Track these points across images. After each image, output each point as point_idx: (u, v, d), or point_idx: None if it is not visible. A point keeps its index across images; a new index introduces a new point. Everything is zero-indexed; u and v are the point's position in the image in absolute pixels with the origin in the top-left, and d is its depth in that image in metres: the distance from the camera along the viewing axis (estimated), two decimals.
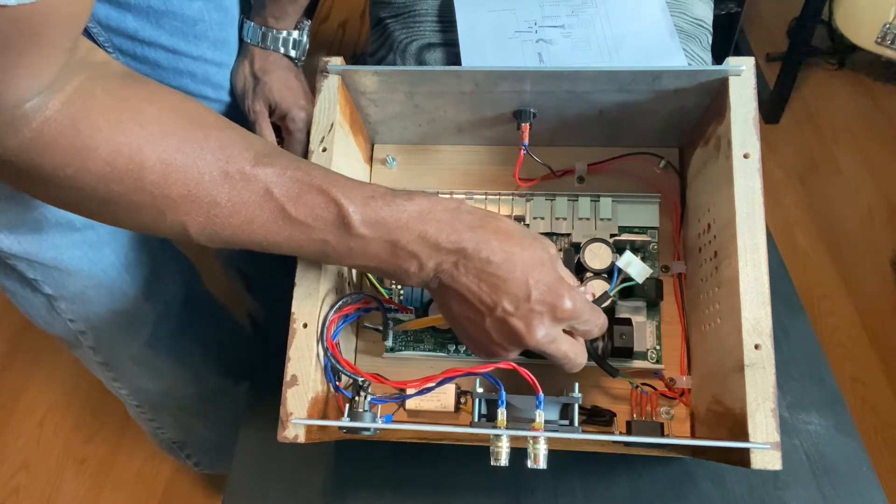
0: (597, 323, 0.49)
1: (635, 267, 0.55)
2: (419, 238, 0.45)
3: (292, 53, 0.76)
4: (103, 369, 0.84)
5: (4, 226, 0.62)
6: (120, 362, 0.84)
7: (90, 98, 0.39)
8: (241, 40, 0.77)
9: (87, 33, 0.68)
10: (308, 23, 0.78)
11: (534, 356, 0.56)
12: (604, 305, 0.53)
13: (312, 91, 0.66)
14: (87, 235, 0.69)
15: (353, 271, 0.60)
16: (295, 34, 0.76)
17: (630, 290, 0.58)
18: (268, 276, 0.99)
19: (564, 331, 0.48)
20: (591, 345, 0.55)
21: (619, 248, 0.58)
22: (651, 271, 0.56)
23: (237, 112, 0.79)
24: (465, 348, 0.60)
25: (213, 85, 0.77)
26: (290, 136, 0.72)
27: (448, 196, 0.61)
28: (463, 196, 0.62)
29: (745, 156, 0.50)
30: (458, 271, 0.46)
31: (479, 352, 0.50)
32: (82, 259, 0.69)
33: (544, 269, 0.46)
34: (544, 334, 0.46)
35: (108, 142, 0.39)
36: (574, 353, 0.48)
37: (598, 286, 0.57)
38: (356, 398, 0.50)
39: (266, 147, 0.46)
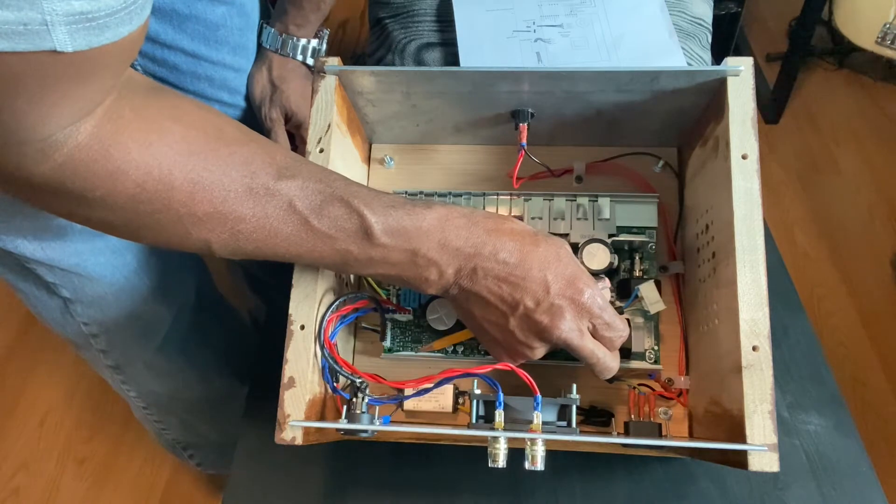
0: (620, 327, 0.50)
1: (653, 296, 0.56)
2: (439, 245, 0.46)
3: (310, 62, 0.77)
4: (113, 372, 0.84)
5: (29, 232, 0.62)
6: (131, 365, 0.84)
7: (119, 119, 0.39)
8: (258, 45, 0.77)
9: None
10: (327, 32, 0.78)
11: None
12: None
13: None
14: (109, 241, 0.69)
15: None
16: (314, 42, 0.77)
17: (628, 290, 0.58)
18: (273, 275, 0.99)
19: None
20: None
21: (617, 249, 0.58)
22: (664, 307, 0.56)
23: (252, 117, 0.79)
24: (462, 349, 0.60)
25: (230, 90, 0.77)
26: (304, 146, 0.73)
27: (446, 196, 0.61)
28: (461, 196, 0.62)
29: (744, 156, 0.50)
30: (476, 275, 0.47)
31: (504, 355, 0.50)
32: (105, 265, 0.69)
33: (561, 263, 0.47)
34: (569, 327, 0.47)
35: (139, 164, 0.39)
36: (602, 353, 0.49)
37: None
38: (354, 399, 0.50)
39: (287, 158, 0.46)
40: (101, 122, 0.38)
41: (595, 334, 0.49)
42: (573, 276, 0.47)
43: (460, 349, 0.60)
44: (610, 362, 0.50)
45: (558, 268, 0.47)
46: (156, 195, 0.41)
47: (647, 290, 0.56)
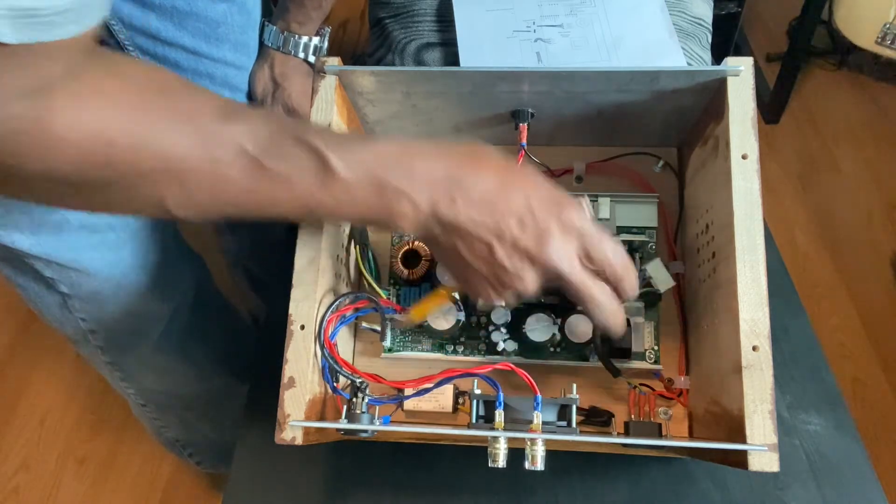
0: (610, 244, 0.45)
1: (661, 274, 0.56)
2: (406, 173, 0.43)
3: (312, 59, 0.77)
4: (111, 368, 0.84)
5: (26, 227, 0.63)
6: (128, 362, 0.84)
7: (53, 87, 0.37)
8: (260, 43, 0.78)
9: (109, 30, 0.68)
10: (328, 29, 0.79)
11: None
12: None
13: None
14: (106, 237, 0.69)
15: (351, 271, 0.60)
16: (316, 40, 0.77)
17: None
18: (273, 275, 0.99)
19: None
20: (595, 342, 0.55)
21: None
22: (674, 283, 0.56)
23: None
24: (462, 348, 0.60)
25: (232, 87, 0.77)
26: None
27: None
28: None
29: (744, 156, 0.50)
30: (456, 205, 0.43)
31: (494, 293, 0.47)
32: (101, 261, 0.69)
33: (542, 187, 0.45)
34: (557, 247, 0.44)
35: (73, 124, 0.37)
36: (599, 289, 0.46)
37: None
38: (354, 399, 0.50)
39: (235, 105, 0.44)
40: (35, 92, 0.36)
41: (590, 259, 0.45)
42: (556, 197, 0.45)
43: (460, 349, 0.60)
44: (608, 302, 0.46)
45: (540, 191, 0.44)
46: (95, 155, 0.38)
47: (655, 269, 0.56)
